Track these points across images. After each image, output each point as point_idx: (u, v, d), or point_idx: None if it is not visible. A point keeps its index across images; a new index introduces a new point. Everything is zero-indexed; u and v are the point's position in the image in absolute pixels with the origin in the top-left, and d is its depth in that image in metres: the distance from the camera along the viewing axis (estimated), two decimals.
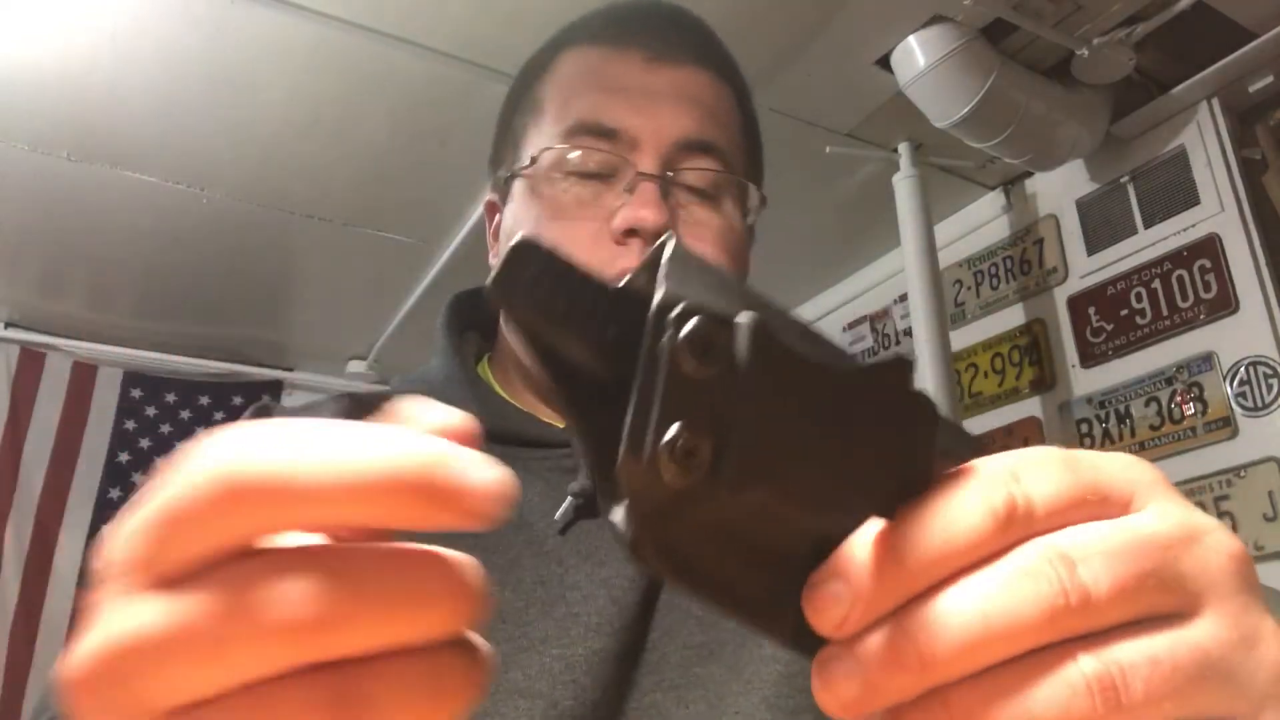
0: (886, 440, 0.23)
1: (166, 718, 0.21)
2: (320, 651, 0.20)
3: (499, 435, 0.62)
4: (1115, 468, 0.26)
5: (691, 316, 0.21)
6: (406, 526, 0.21)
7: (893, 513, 0.23)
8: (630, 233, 0.60)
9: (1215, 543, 0.26)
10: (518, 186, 0.66)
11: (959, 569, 0.23)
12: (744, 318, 0.22)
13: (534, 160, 0.64)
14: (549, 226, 0.63)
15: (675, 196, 0.63)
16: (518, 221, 0.65)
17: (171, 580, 0.21)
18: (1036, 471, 0.25)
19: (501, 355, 0.70)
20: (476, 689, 0.22)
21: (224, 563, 0.21)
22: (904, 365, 0.24)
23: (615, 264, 0.60)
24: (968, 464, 0.25)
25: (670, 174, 0.62)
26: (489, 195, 0.72)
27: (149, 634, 0.20)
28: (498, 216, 0.70)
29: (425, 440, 0.21)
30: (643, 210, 0.60)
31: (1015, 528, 0.24)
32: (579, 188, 0.63)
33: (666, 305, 0.21)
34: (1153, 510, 0.25)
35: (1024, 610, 0.22)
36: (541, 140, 0.65)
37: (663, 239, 0.23)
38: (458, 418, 0.23)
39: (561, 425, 0.63)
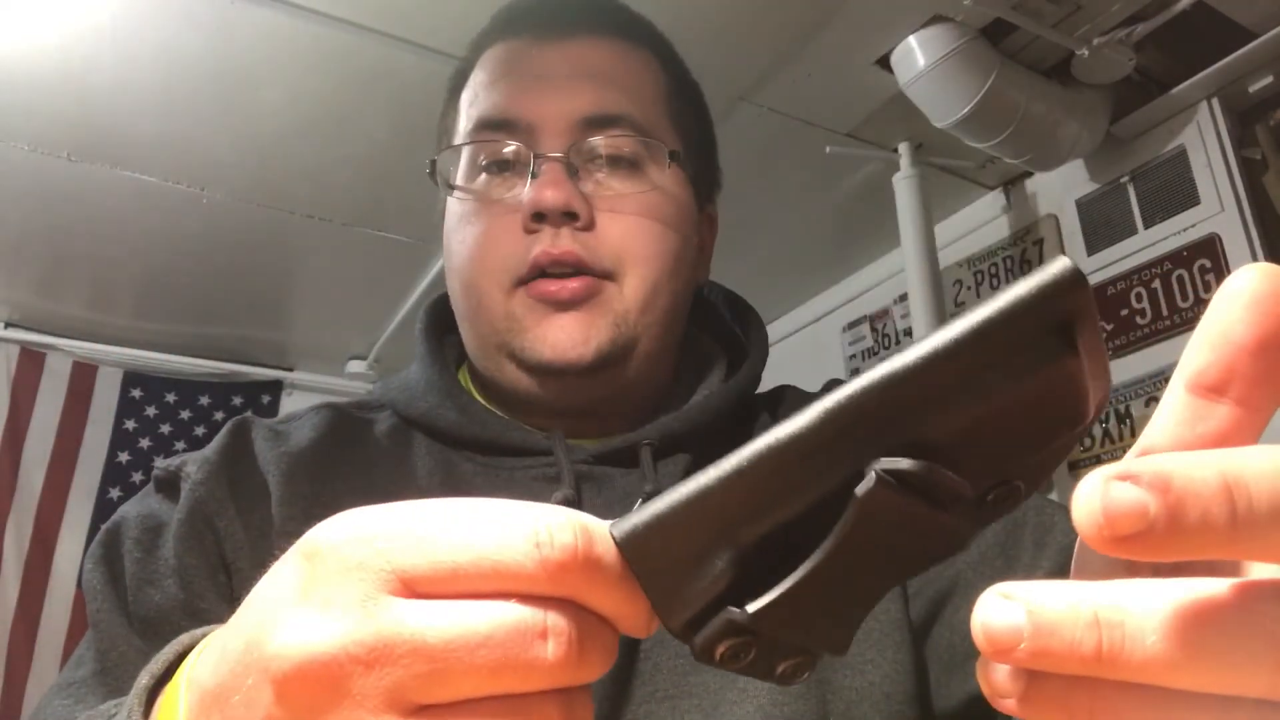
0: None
1: (417, 712, 0.24)
2: (572, 682, 0.25)
3: (480, 444, 0.61)
4: None
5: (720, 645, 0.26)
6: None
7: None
8: (538, 216, 0.59)
9: None
10: (447, 198, 0.66)
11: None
12: (742, 614, 0.25)
13: (441, 165, 0.64)
14: (467, 230, 0.62)
15: (587, 172, 0.61)
16: (447, 233, 0.65)
17: (432, 595, 0.25)
18: None
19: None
20: None
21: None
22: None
23: (530, 251, 0.59)
24: None
25: (575, 146, 0.61)
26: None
27: (446, 640, 0.24)
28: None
29: None
30: (545, 191, 0.59)
31: None
32: (488, 185, 0.62)
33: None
34: None
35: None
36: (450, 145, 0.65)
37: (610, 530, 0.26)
38: None
39: (543, 433, 0.62)
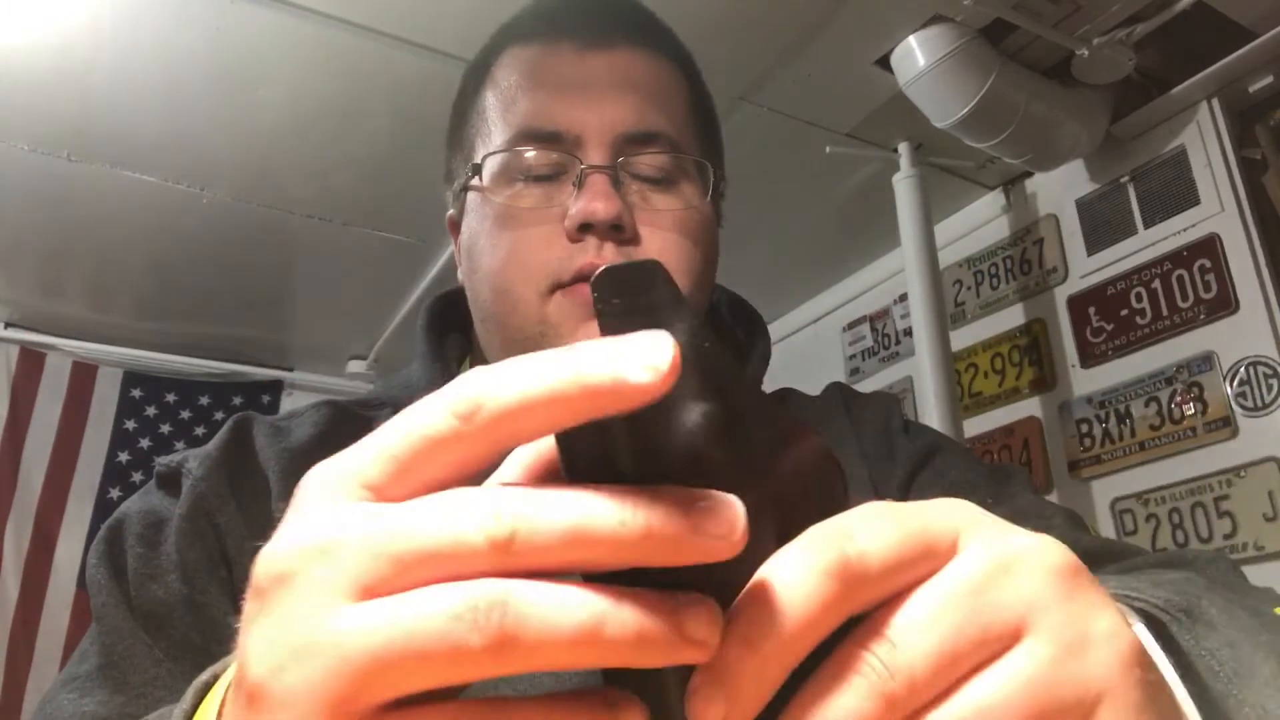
0: None
1: (351, 597, 0.23)
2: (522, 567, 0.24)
3: None
4: (935, 512, 0.27)
5: None
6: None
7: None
8: (585, 227, 0.59)
9: (1030, 563, 0.26)
10: (471, 199, 0.66)
11: (808, 642, 0.24)
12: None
13: (481, 170, 0.64)
14: (503, 235, 0.62)
15: (628, 185, 0.62)
16: (474, 235, 0.64)
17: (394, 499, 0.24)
18: (867, 526, 0.25)
19: (480, 357, 0.69)
20: None
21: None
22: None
23: (573, 261, 0.59)
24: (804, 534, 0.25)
25: (620, 161, 0.61)
26: (449, 212, 0.71)
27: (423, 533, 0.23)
28: (459, 234, 0.69)
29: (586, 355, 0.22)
30: (594, 203, 0.59)
31: (853, 587, 0.24)
32: (529, 191, 0.62)
33: None
34: (969, 552, 0.26)
35: (859, 706, 0.23)
36: (488, 149, 0.64)
37: None
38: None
39: None
